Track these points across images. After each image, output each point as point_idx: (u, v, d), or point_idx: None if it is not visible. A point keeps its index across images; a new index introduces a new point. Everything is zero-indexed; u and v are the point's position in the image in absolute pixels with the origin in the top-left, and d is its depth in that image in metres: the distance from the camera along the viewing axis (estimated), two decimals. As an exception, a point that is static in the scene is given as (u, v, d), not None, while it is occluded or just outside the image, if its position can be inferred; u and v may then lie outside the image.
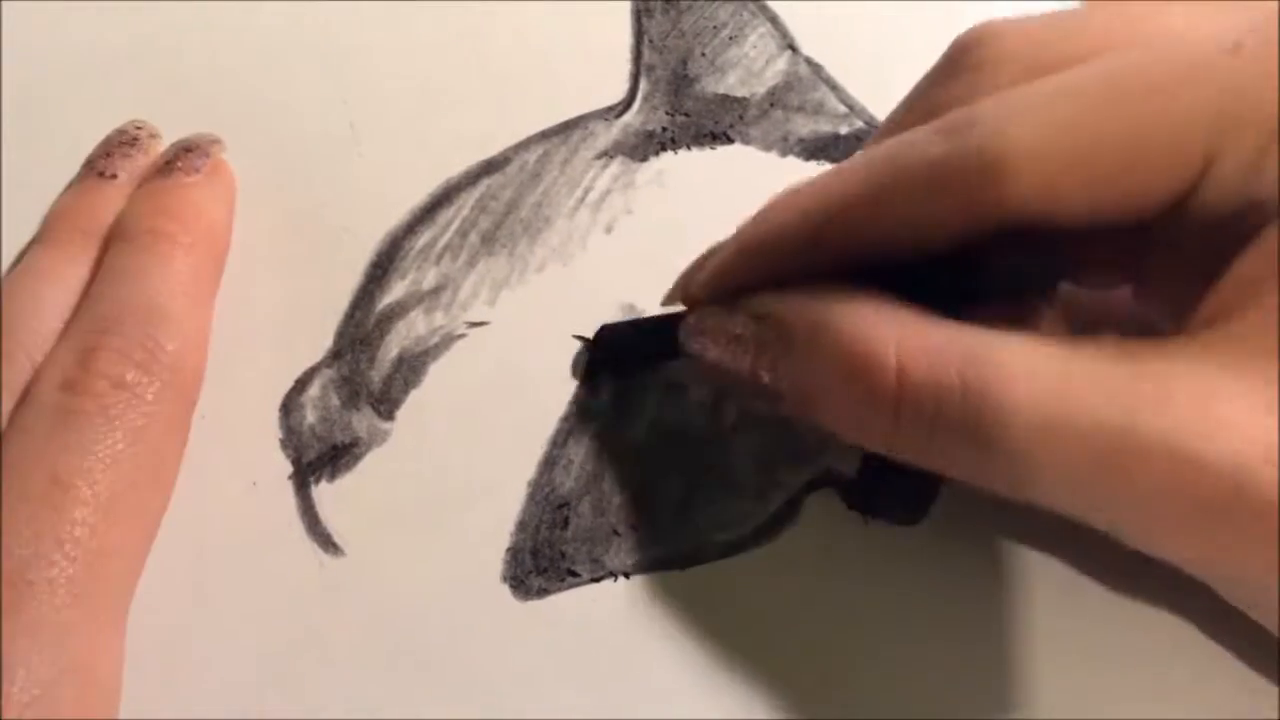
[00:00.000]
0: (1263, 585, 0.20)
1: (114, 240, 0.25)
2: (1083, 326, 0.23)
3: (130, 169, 0.27)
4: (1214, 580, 0.21)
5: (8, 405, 0.22)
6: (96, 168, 0.27)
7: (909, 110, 0.24)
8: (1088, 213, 0.20)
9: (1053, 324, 0.23)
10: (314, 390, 0.26)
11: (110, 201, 0.26)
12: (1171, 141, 0.20)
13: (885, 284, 0.21)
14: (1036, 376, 0.19)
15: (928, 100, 0.23)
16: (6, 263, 0.26)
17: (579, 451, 0.26)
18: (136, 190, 0.26)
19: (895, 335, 0.20)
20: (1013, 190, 0.20)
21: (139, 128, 0.27)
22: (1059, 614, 0.24)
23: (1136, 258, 0.23)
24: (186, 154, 0.26)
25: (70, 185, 0.27)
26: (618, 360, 0.26)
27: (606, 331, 0.26)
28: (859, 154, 0.23)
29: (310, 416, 0.26)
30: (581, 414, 0.26)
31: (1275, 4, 0.20)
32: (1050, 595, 0.24)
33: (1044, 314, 0.23)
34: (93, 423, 0.22)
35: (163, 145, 0.27)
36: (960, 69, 0.23)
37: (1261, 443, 0.18)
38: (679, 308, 0.25)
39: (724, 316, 0.23)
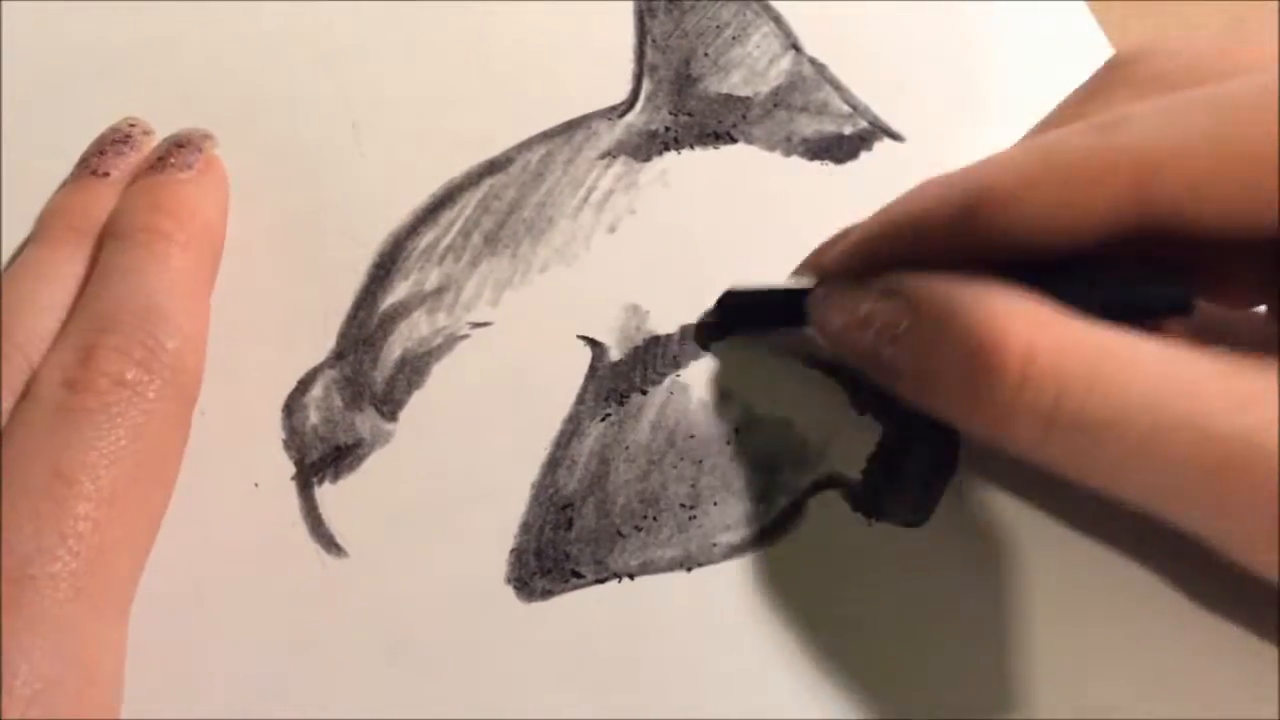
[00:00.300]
0: None
1: (109, 238, 0.25)
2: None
3: (123, 166, 0.27)
4: None
5: (7, 404, 0.22)
6: (90, 166, 0.27)
7: (1060, 117, 0.24)
8: (1228, 218, 0.20)
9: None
10: (317, 391, 0.26)
11: (104, 199, 0.26)
12: None
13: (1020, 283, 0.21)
14: (1167, 378, 0.19)
15: (1080, 109, 0.23)
16: (4, 262, 0.26)
17: (583, 452, 0.26)
18: (130, 187, 0.26)
19: (1027, 319, 0.20)
20: (1158, 187, 0.20)
21: (132, 125, 0.27)
22: (1060, 615, 0.24)
23: (1273, 277, 0.23)
24: (179, 150, 0.26)
25: (64, 184, 0.27)
26: (738, 325, 0.27)
27: (731, 296, 0.27)
28: (1010, 146, 0.23)
29: (313, 417, 0.26)
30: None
31: None
32: (1052, 596, 0.24)
33: (1173, 331, 0.23)
34: (95, 419, 0.22)
35: (156, 142, 0.27)
36: (1113, 82, 0.23)
37: None
38: (807, 281, 0.25)
39: (854, 289, 0.23)
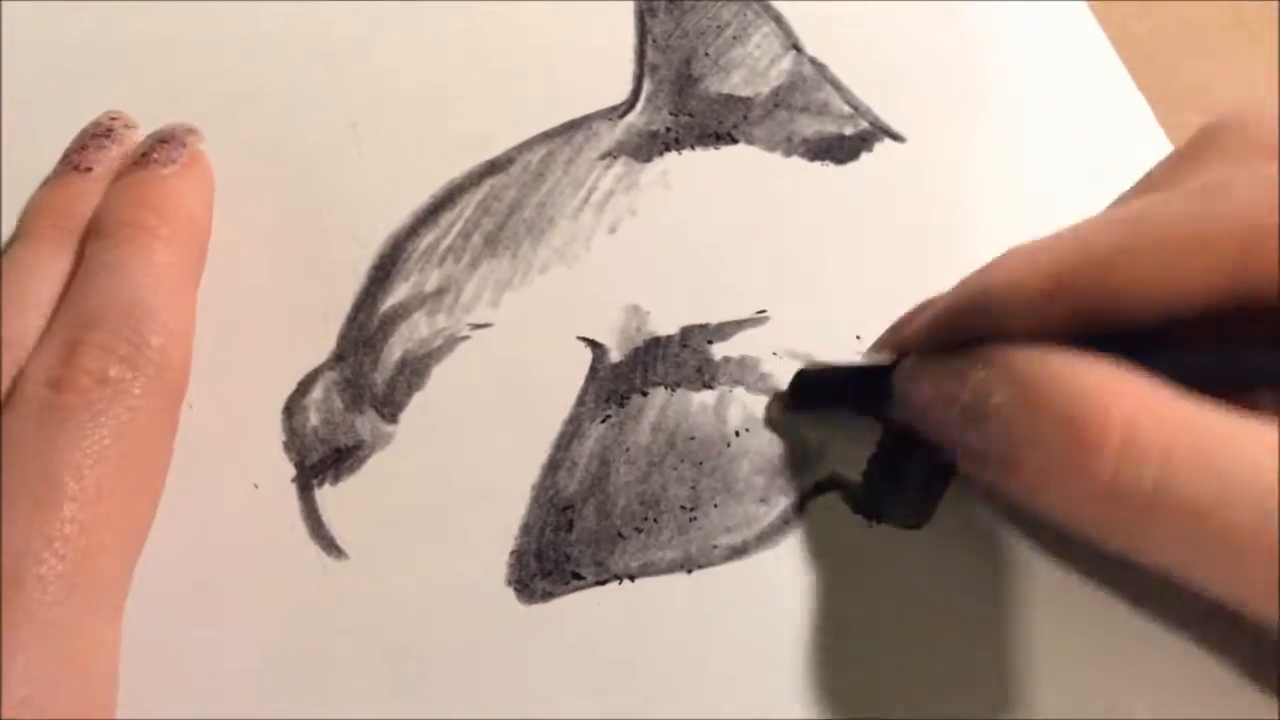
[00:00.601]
0: None
1: (93, 236, 0.25)
2: None
3: (106, 161, 0.26)
4: None
5: None
6: (72, 161, 0.27)
7: (1152, 184, 0.23)
8: None
9: None
10: (317, 393, 0.26)
11: (87, 195, 0.26)
12: None
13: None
14: (1271, 464, 0.18)
15: (1172, 176, 0.22)
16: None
17: (583, 454, 0.25)
18: (114, 183, 0.26)
19: (1129, 392, 0.19)
20: (1260, 259, 0.19)
21: (114, 118, 0.27)
22: (1061, 615, 0.24)
23: None
24: (162, 145, 0.26)
25: (47, 180, 0.27)
26: (816, 406, 0.26)
27: (807, 375, 0.26)
28: (1100, 214, 0.22)
29: (313, 419, 0.25)
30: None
31: None
32: (1052, 597, 0.24)
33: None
34: (78, 419, 0.21)
35: (140, 136, 0.27)
36: (1207, 148, 0.22)
37: None
38: (885, 357, 0.25)
39: (944, 361, 0.22)
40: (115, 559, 0.22)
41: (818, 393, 0.26)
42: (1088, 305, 0.21)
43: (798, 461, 0.25)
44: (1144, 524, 0.19)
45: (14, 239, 0.26)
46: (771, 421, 0.26)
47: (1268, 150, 0.21)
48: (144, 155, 0.26)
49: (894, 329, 0.26)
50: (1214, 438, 0.18)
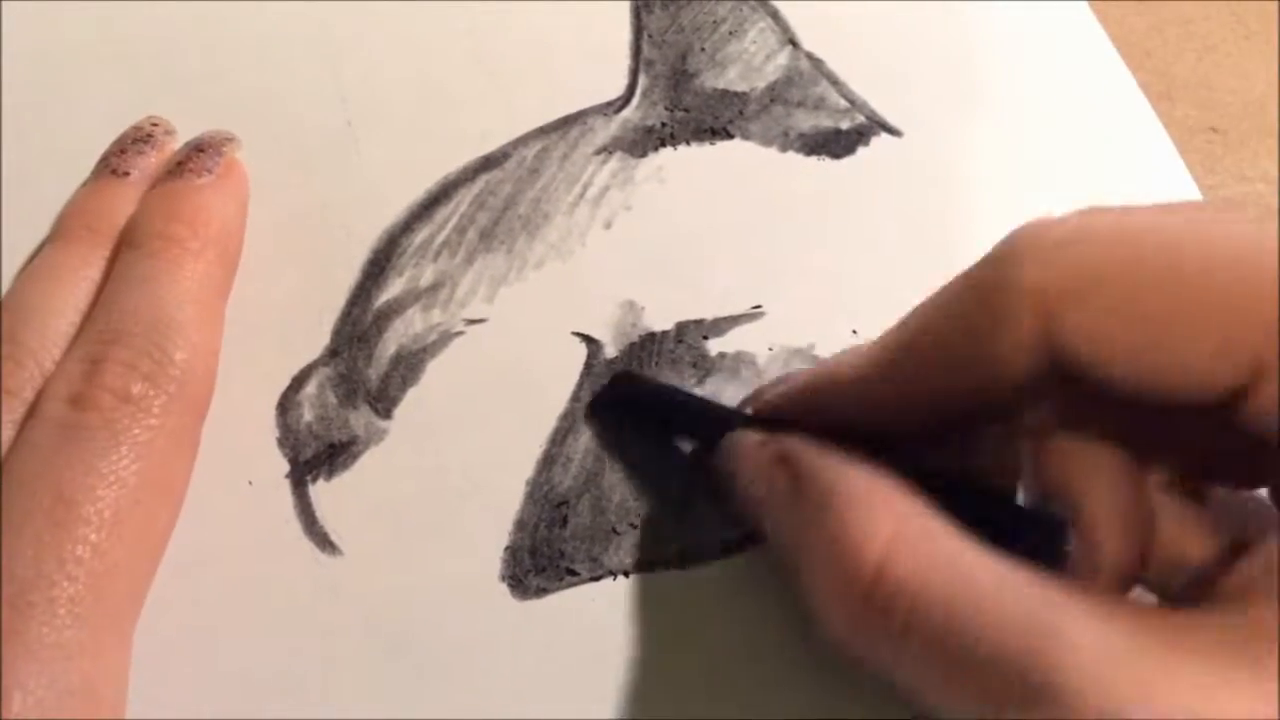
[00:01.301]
0: None
1: (125, 247, 0.24)
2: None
3: (144, 166, 0.26)
4: None
5: (17, 414, 0.22)
6: (110, 165, 0.26)
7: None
8: (1133, 380, 0.18)
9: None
10: (311, 388, 0.26)
11: (124, 200, 0.26)
12: (1222, 336, 0.18)
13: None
14: (1027, 627, 0.17)
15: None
16: (6, 260, 0.26)
17: (578, 450, 0.25)
18: (148, 193, 0.26)
19: (889, 527, 0.19)
20: (1054, 324, 0.19)
21: (154, 124, 0.27)
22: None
23: (1258, 455, 0.20)
24: (198, 154, 0.26)
25: (85, 183, 0.27)
26: (635, 416, 0.26)
27: (623, 380, 0.26)
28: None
29: (307, 415, 0.25)
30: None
31: None
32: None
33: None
34: (97, 438, 0.21)
35: (178, 142, 0.27)
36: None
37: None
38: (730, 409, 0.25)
39: (757, 442, 0.23)
40: (128, 581, 0.22)
41: (648, 405, 0.26)
42: (914, 388, 0.21)
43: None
44: (894, 663, 0.19)
45: (48, 240, 0.26)
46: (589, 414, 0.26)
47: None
48: (179, 165, 0.26)
49: (760, 388, 0.26)
50: (968, 588, 0.18)
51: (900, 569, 0.19)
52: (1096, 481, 0.21)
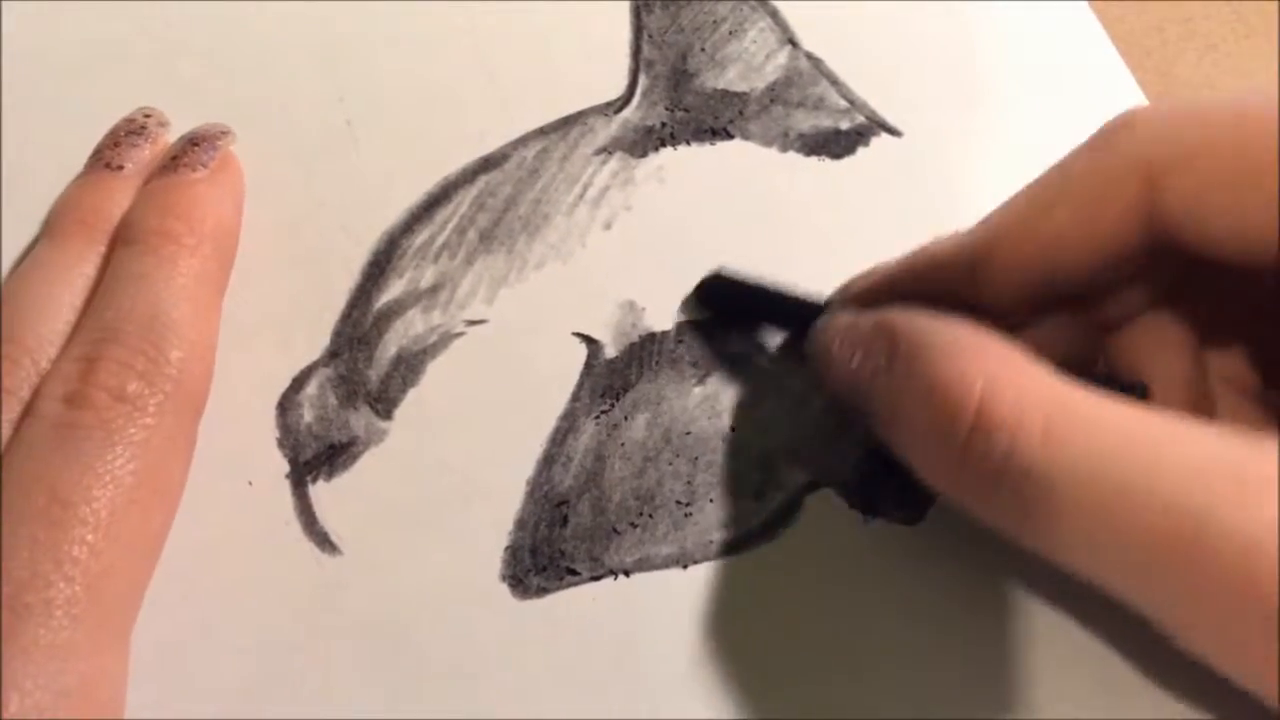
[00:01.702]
0: None
1: (120, 242, 0.24)
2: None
3: (138, 159, 0.26)
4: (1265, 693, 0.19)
5: (15, 412, 0.22)
6: (104, 159, 0.26)
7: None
8: (1237, 239, 0.19)
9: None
10: (311, 389, 0.26)
11: (118, 194, 0.25)
12: None
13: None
14: (1126, 444, 0.18)
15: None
16: (7, 259, 0.26)
17: (578, 449, 0.25)
18: (143, 189, 0.26)
19: (988, 367, 0.19)
20: (1166, 195, 0.20)
21: (147, 115, 0.27)
22: (1058, 614, 0.24)
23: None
24: (193, 148, 0.26)
25: (78, 178, 0.26)
26: (734, 312, 0.27)
27: (725, 283, 0.26)
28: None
29: (308, 415, 0.25)
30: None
31: None
32: (1049, 595, 0.24)
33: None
34: (93, 437, 0.21)
35: (172, 134, 0.27)
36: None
37: None
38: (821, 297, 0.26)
39: (851, 318, 0.23)
40: (126, 582, 0.21)
41: (738, 301, 0.26)
42: (1015, 271, 0.21)
43: (793, 458, 0.25)
44: (995, 495, 0.19)
45: (41, 236, 0.26)
46: (687, 319, 0.26)
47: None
48: (174, 159, 0.26)
49: (847, 282, 0.26)
50: (1067, 411, 0.18)
51: (1001, 406, 0.19)
52: (1167, 366, 0.22)
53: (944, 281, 0.22)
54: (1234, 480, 0.17)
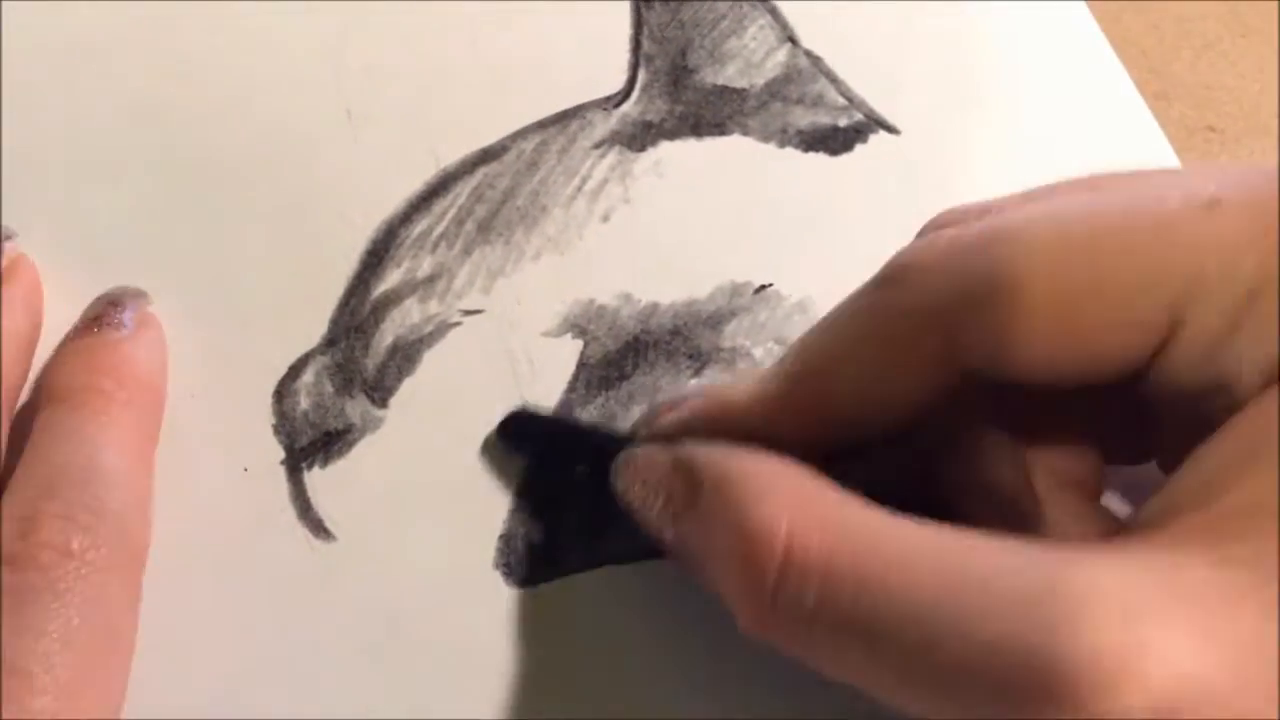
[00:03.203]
0: None
1: (47, 401, 0.24)
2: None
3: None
4: None
5: None
6: None
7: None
8: (1041, 368, 0.19)
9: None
10: (308, 377, 0.26)
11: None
12: (1131, 300, 0.18)
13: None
14: (947, 575, 0.17)
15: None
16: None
17: (573, 440, 0.26)
18: (65, 347, 0.25)
19: (791, 506, 0.18)
20: (951, 340, 0.19)
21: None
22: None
23: (1147, 427, 0.21)
24: (112, 308, 0.25)
25: None
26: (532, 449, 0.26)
27: (523, 417, 0.26)
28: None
29: (304, 403, 0.25)
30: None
31: (1256, 166, 0.19)
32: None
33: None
34: (41, 599, 0.20)
35: (17, 245, 0.26)
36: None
37: (1193, 680, 0.15)
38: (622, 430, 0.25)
39: (650, 453, 0.22)
40: None
41: (538, 438, 0.26)
42: (819, 414, 0.21)
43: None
44: (811, 646, 0.18)
45: None
46: (486, 449, 0.25)
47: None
48: (94, 319, 0.25)
49: (651, 413, 0.25)
50: (879, 552, 0.18)
51: (809, 542, 0.18)
52: (994, 474, 0.21)
53: (743, 428, 0.21)
54: (1060, 605, 0.16)
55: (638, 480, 0.22)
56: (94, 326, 0.25)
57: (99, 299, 0.26)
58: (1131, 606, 0.16)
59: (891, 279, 0.20)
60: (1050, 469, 0.21)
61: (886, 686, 0.18)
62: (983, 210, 0.21)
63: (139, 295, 0.26)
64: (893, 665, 0.17)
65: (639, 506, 0.22)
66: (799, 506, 0.19)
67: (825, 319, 0.21)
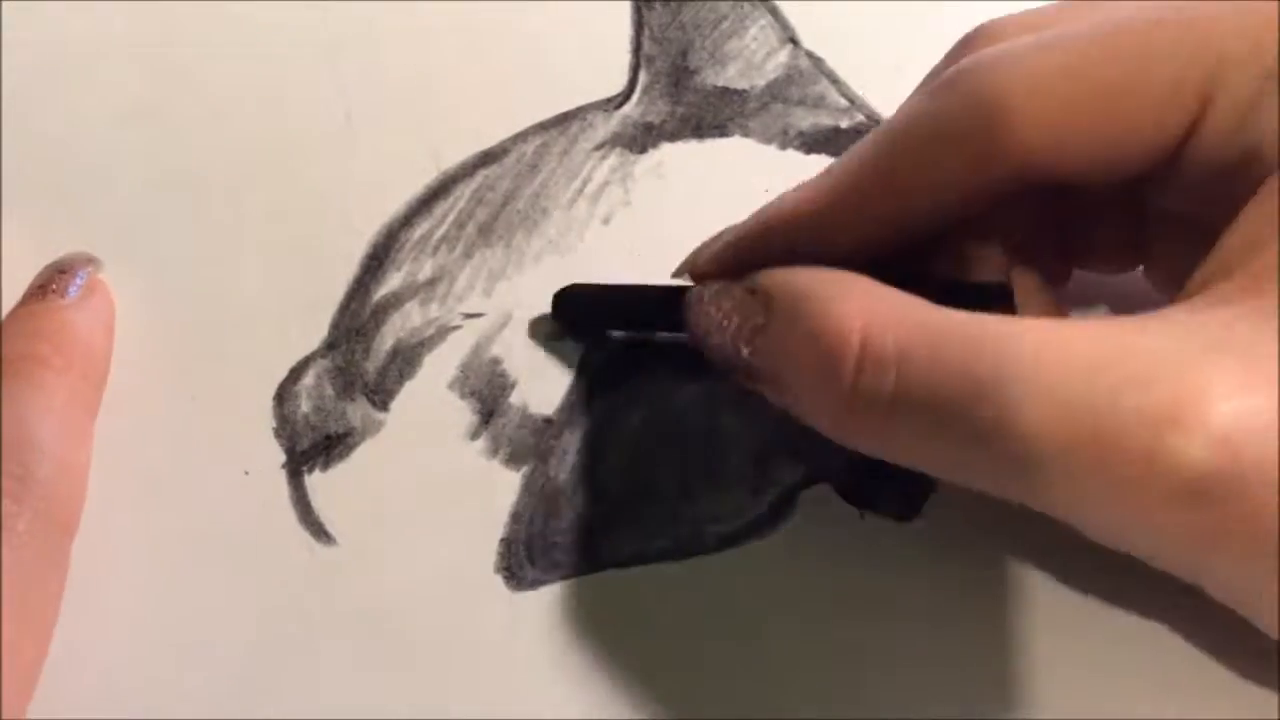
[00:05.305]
0: (1241, 577, 0.19)
1: None
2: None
3: None
4: (1192, 577, 0.20)
5: None
6: None
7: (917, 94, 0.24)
8: (1088, 160, 0.20)
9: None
10: (309, 380, 0.26)
11: None
12: (1166, 80, 0.20)
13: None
14: (1015, 351, 0.18)
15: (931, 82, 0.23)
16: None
17: (574, 442, 0.25)
18: (11, 314, 0.25)
19: (865, 308, 0.20)
20: (1011, 137, 0.20)
21: None
22: (1056, 611, 0.24)
23: (1142, 234, 0.23)
24: (60, 276, 0.25)
25: None
26: (591, 325, 0.26)
27: (573, 291, 0.26)
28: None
29: (304, 406, 0.26)
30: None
31: None
32: (1047, 592, 0.24)
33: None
34: None
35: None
36: (960, 54, 0.23)
37: (1247, 419, 0.17)
38: (681, 282, 0.25)
39: (722, 288, 0.23)
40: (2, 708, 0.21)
41: (594, 313, 0.26)
42: (862, 223, 0.22)
43: (788, 453, 0.25)
44: (891, 431, 0.20)
45: None
46: (540, 338, 0.26)
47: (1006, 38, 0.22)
48: (41, 287, 0.25)
49: (694, 254, 0.25)
50: (948, 335, 0.19)
51: (883, 341, 0.19)
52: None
53: (795, 238, 0.23)
54: (1120, 367, 0.17)
55: (709, 310, 0.23)
56: (41, 294, 0.25)
57: (49, 266, 0.26)
58: (1186, 362, 0.17)
59: (950, 82, 0.21)
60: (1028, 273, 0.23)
61: (964, 467, 0.19)
62: (1020, 22, 0.22)
63: (89, 261, 0.26)
64: (969, 443, 0.18)
65: (714, 333, 0.22)
66: (870, 306, 0.20)
67: (880, 127, 0.22)
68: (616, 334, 0.26)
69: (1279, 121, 0.19)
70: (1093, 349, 0.18)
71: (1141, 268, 0.24)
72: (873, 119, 0.29)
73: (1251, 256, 0.18)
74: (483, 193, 0.28)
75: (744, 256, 0.23)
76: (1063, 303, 0.24)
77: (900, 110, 0.22)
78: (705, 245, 0.25)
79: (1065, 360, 0.18)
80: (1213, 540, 0.18)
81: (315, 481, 0.25)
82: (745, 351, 0.22)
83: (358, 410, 0.26)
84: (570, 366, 0.26)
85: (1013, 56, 0.21)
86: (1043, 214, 0.23)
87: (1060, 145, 0.20)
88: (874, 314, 0.19)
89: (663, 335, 0.26)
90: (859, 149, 0.22)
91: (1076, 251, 0.25)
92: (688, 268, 0.25)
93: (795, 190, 0.23)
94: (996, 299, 0.22)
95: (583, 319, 0.26)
